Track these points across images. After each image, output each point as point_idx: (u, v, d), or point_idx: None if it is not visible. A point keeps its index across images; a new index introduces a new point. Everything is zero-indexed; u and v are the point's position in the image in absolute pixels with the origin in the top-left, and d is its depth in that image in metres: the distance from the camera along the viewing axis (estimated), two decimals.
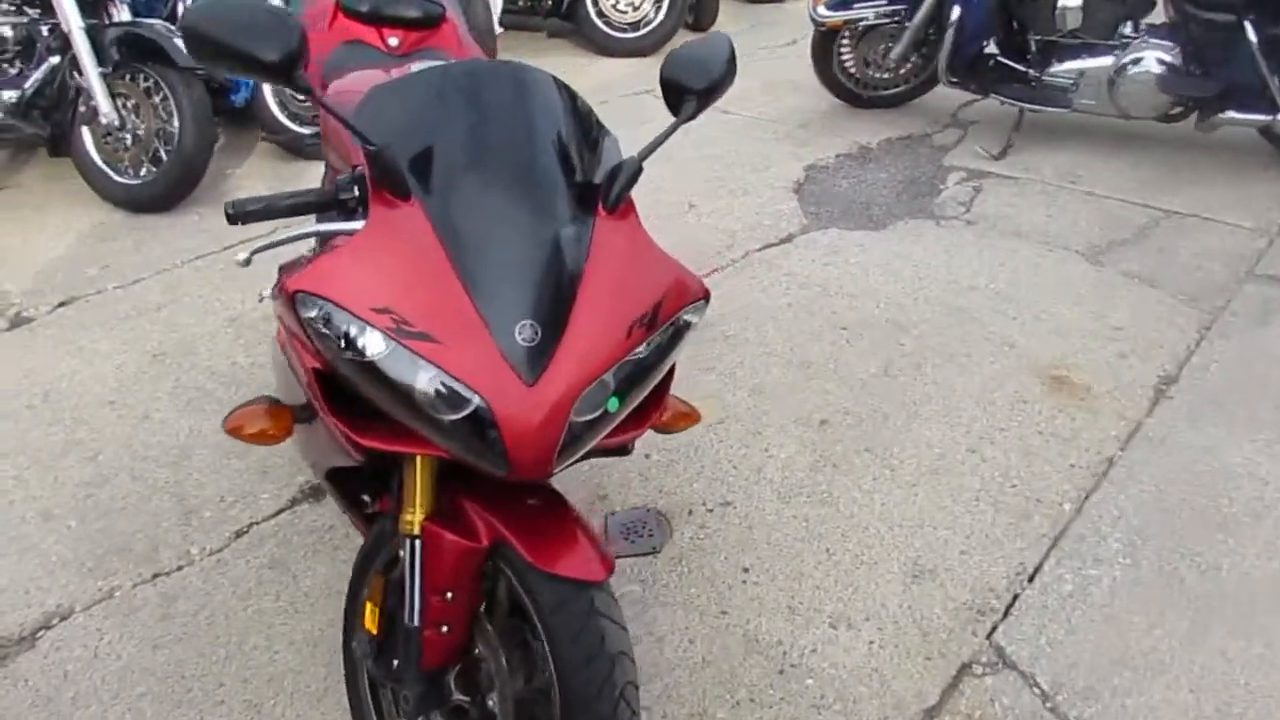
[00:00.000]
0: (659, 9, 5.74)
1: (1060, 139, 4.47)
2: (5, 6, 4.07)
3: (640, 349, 1.34)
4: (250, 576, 2.18)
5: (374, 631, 1.53)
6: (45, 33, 4.01)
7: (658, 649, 2.00)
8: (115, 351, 3.01)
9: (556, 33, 5.99)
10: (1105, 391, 2.75)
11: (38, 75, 3.99)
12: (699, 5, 6.10)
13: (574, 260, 1.32)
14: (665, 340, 1.38)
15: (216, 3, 1.25)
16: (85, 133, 3.99)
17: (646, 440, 2.51)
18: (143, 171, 3.93)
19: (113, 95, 3.85)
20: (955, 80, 4.36)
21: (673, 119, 1.51)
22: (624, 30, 5.72)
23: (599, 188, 1.40)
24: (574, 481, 2.42)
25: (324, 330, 1.26)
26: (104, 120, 3.82)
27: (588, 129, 1.48)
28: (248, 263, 1.34)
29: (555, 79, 1.50)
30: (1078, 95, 4.18)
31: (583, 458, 1.61)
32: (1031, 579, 2.15)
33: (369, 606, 1.54)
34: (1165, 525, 2.28)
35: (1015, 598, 2.11)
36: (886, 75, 4.74)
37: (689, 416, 1.68)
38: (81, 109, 3.89)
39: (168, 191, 3.87)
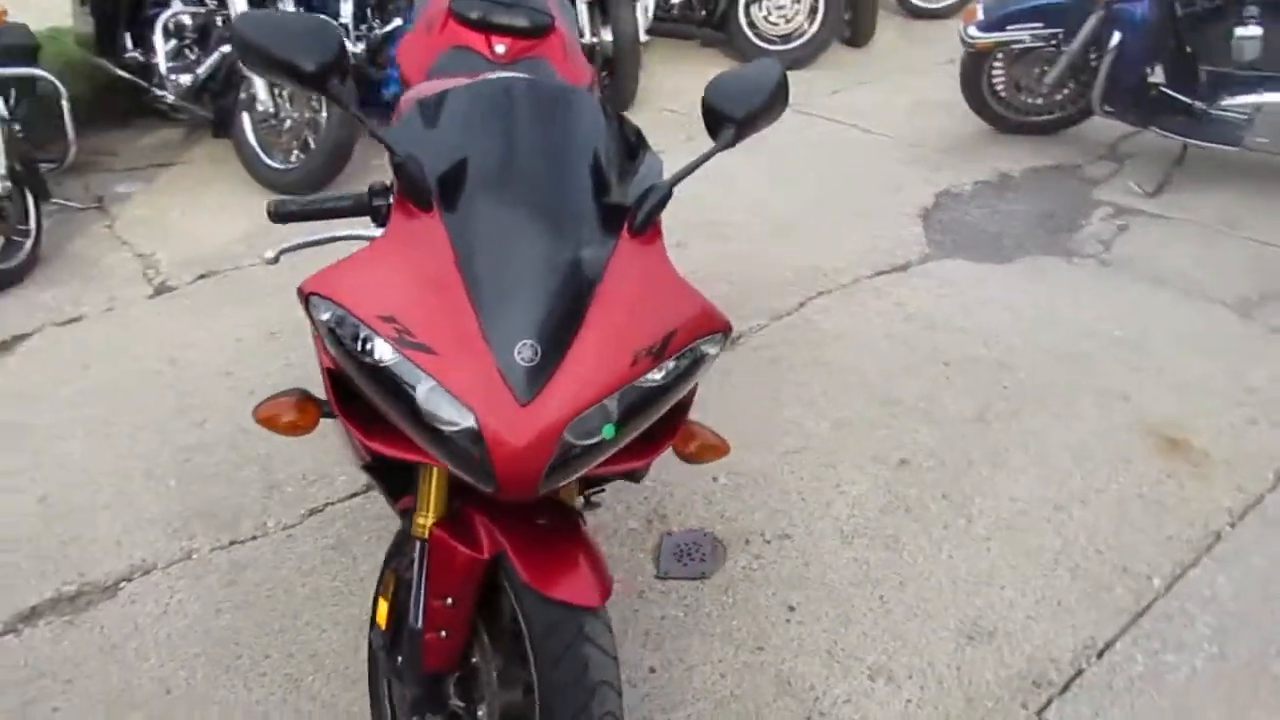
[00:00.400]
0: (812, 21, 5.64)
1: (1225, 179, 4.13)
2: None
3: (648, 377, 1.32)
4: (315, 555, 2.29)
5: (384, 627, 1.57)
6: (220, 23, 4.31)
7: (687, 677, 1.97)
8: (239, 326, 3.21)
9: (709, 42, 5.98)
10: (1224, 459, 2.52)
11: (210, 62, 4.29)
12: (855, 19, 5.96)
13: (587, 283, 1.31)
14: (677, 370, 1.35)
15: (265, 12, 1.32)
16: (245, 118, 4.26)
17: (713, 467, 2.49)
18: (291, 158, 4.17)
19: (270, 85, 4.10)
20: (1111, 110, 4.10)
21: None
22: (774, 42, 5.66)
23: (628, 210, 1.39)
24: (635, 498, 2.41)
25: (336, 333, 1.30)
26: (260, 108, 4.08)
27: (626, 150, 1.47)
28: (275, 260, 1.40)
29: (598, 100, 1.51)
30: (1251, 132, 3.86)
31: (592, 484, 1.61)
32: (1100, 655, 2.00)
33: (382, 602, 1.58)
34: (1267, 616, 2.08)
35: (1078, 673, 1.96)
36: (1039, 101, 4.51)
37: (717, 449, 1.64)
38: (243, 96, 4.17)
39: (310, 179, 4.09)
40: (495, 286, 1.28)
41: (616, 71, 4.92)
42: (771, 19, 5.64)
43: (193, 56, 4.44)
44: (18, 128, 3.72)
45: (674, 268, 1.40)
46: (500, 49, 2.44)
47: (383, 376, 1.27)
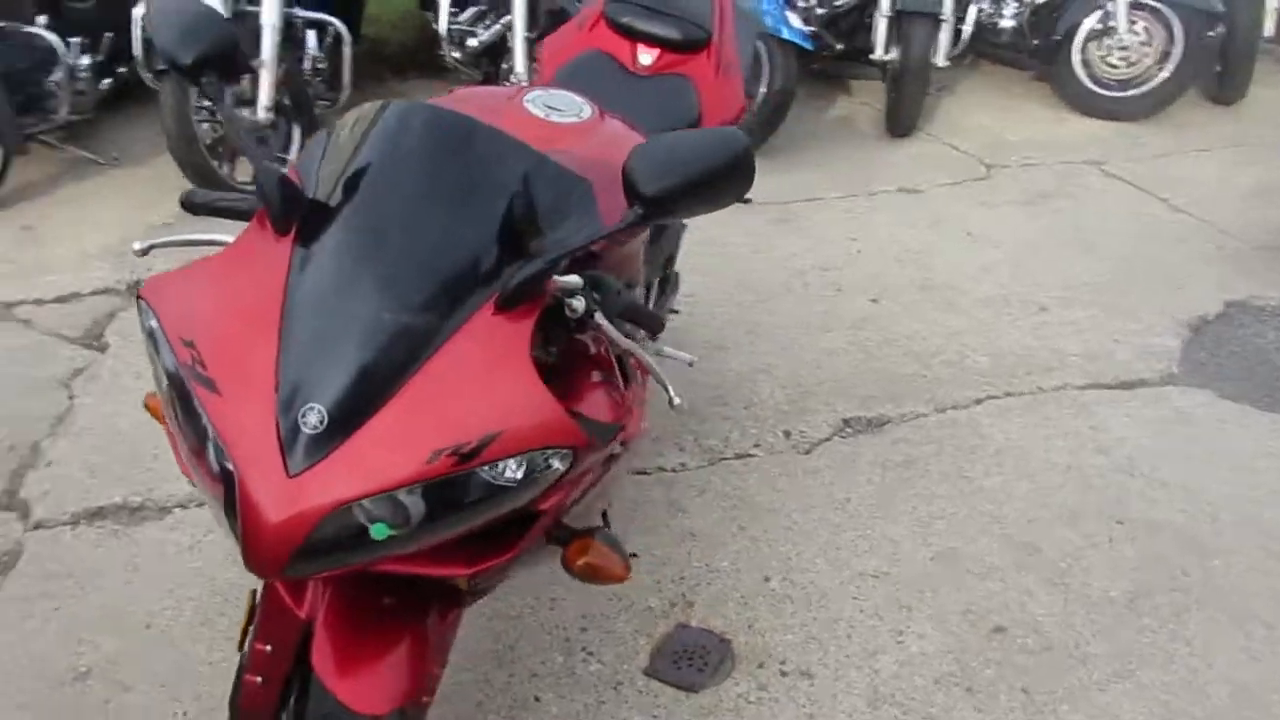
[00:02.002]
0: (1163, 66, 4.79)
1: None
2: None
3: (472, 477, 1.10)
4: None
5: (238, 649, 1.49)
6: None
7: None
8: None
9: (1044, 75, 5.29)
10: None
11: (492, 30, 4.42)
12: (1226, 70, 4.99)
13: (412, 354, 1.12)
14: (491, 479, 1.12)
15: (162, 1, 1.23)
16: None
17: (773, 565, 2.18)
18: None
19: (531, 59, 4.14)
20: None
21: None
22: (1110, 87, 4.87)
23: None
24: (669, 574, 2.17)
25: (152, 342, 1.20)
26: (513, 80, 4.15)
27: (545, 216, 1.24)
28: (143, 253, 1.31)
29: (534, 151, 1.28)
30: None
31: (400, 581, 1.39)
32: None
33: (246, 620, 1.50)
34: None
35: None
36: None
37: (610, 573, 1.38)
38: (504, 66, 4.26)
39: None
40: (310, 336, 1.12)
41: (899, 94, 4.49)
42: (1111, 60, 4.85)
43: (483, 26, 4.60)
44: (306, 66, 4.06)
45: (529, 361, 1.15)
46: (645, 59, 2.24)
47: (174, 399, 1.16)
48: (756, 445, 2.58)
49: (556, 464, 1.15)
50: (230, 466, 1.08)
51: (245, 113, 3.76)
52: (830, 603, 2.12)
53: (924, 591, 2.15)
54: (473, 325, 1.15)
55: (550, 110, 1.63)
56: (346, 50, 4.24)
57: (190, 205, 1.35)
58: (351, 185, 1.20)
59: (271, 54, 3.75)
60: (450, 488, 1.11)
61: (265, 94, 3.75)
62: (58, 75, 3.96)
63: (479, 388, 1.12)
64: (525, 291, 1.16)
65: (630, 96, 2.17)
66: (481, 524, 1.17)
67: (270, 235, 1.20)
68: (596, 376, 1.41)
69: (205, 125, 3.72)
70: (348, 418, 1.08)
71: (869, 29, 4.64)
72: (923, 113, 4.77)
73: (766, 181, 4.18)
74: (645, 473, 2.48)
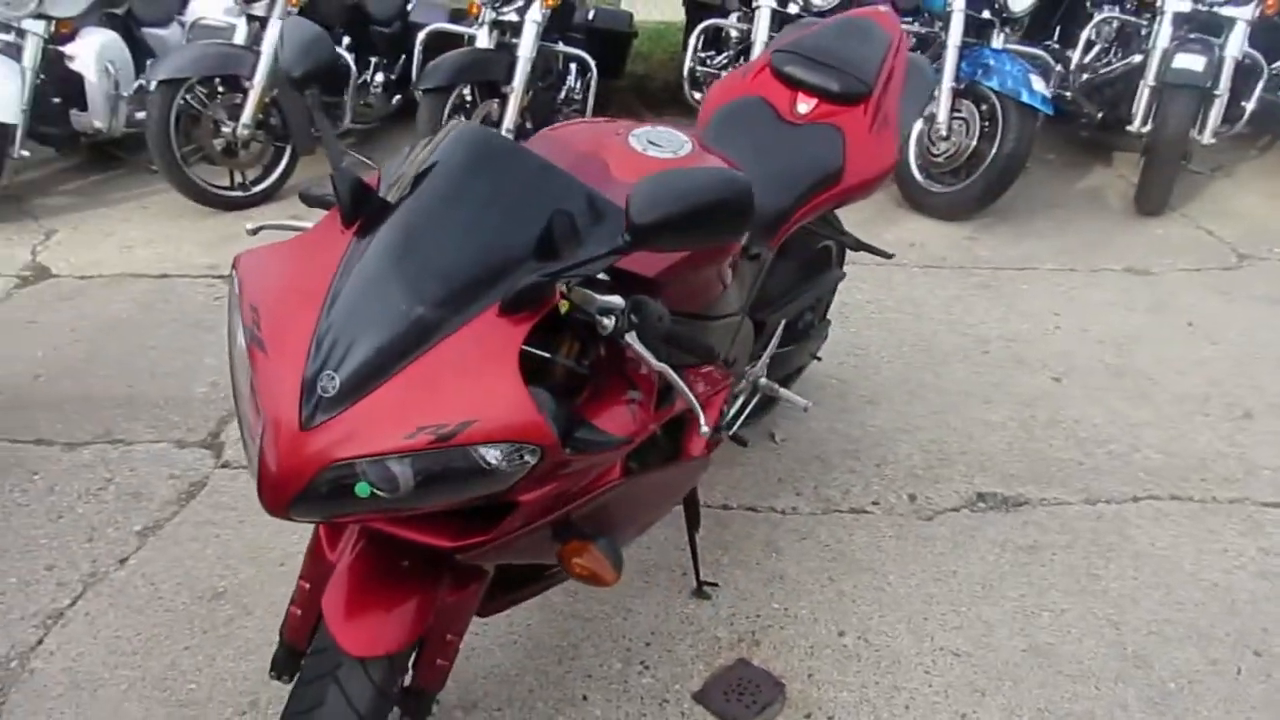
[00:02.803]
0: None
1: None
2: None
3: (438, 454, 1.25)
4: None
5: None
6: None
7: None
8: None
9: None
10: None
11: None
12: None
13: (420, 341, 1.27)
14: (469, 462, 1.25)
15: (294, 20, 1.47)
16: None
17: (852, 621, 2.16)
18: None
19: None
20: None
21: None
22: None
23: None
24: (744, 610, 2.20)
25: (231, 304, 1.43)
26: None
27: (570, 237, 1.36)
28: (255, 232, 1.55)
29: (569, 177, 1.40)
30: None
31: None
32: None
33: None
34: None
35: None
36: None
37: (597, 577, 1.46)
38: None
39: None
40: (343, 315, 1.30)
41: (1148, 170, 4.18)
42: None
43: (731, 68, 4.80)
44: (561, 95, 4.45)
45: (516, 365, 1.27)
46: (803, 108, 2.31)
47: (236, 353, 1.38)
48: (875, 503, 2.54)
49: (526, 458, 1.26)
50: (260, 419, 1.28)
51: (565, 122, 4.17)
52: (899, 670, 2.06)
53: (1004, 681, 2.03)
54: (476, 324, 1.29)
55: (649, 145, 1.75)
56: (592, 84, 4.57)
57: (305, 198, 1.59)
58: (407, 191, 1.38)
59: (521, 82, 4.14)
60: (434, 462, 1.25)
61: (509, 117, 4.14)
62: (348, 90, 4.58)
63: (468, 379, 1.26)
64: (526, 299, 1.29)
65: (777, 142, 2.25)
66: (462, 502, 1.31)
67: (338, 227, 1.40)
68: (621, 392, 1.51)
69: None
70: (356, 388, 1.25)
71: (1134, 97, 4.37)
72: (1184, 192, 4.42)
73: (983, 245, 4.10)
74: (754, 510, 2.52)
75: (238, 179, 4.38)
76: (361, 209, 1.39)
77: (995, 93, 4.03)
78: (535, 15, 4.15)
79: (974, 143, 4.12)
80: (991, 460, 2.70)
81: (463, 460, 1.25)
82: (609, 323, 1.40)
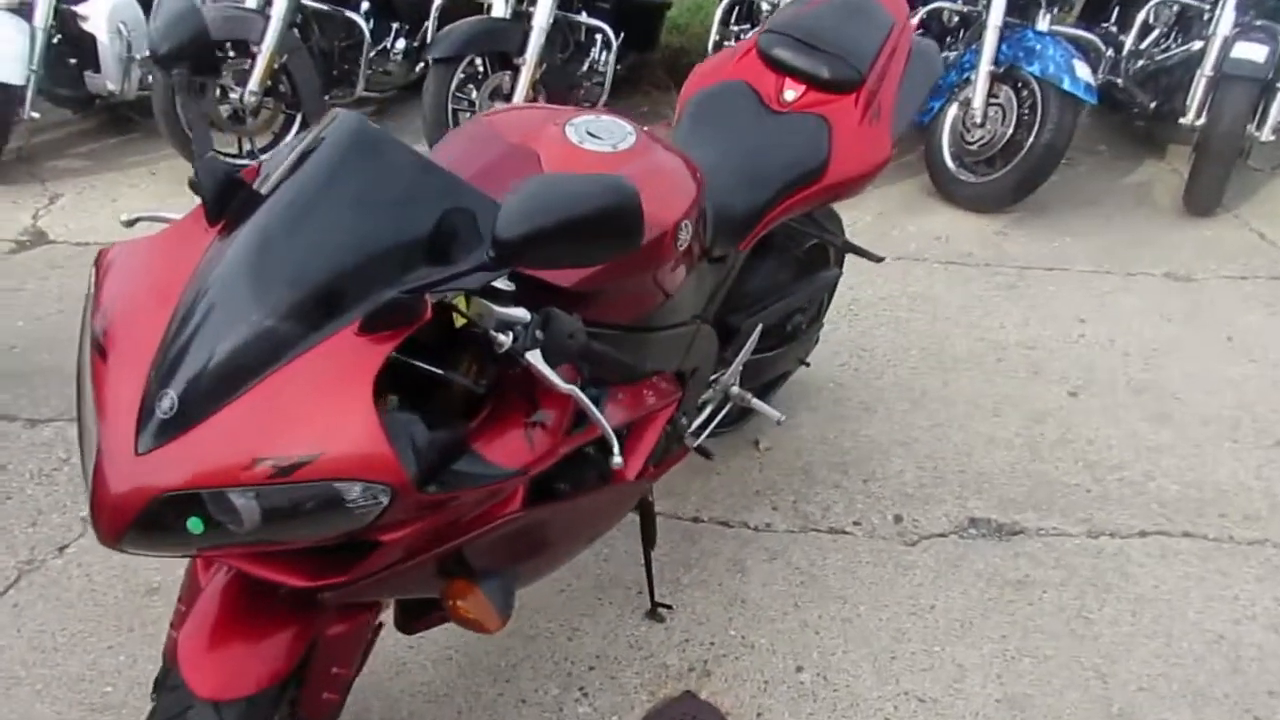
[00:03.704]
0: None
1: None
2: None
3: (283, 490, 1.11)
4: None
5: None
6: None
7: None
8: None
9: None
10: None
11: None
12: None
13: (266, 360, 1.13)
14: (316, 499, 1.11)
15: None
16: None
17: (813, 656, 2.02)
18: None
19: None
20: None
21: None
22: None
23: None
24: (700, 637, 2.05)
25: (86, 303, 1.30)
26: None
27: (447, 243, 1.21)
28: (130, 225, 1.42)
29: (452, 177, 1.25)
30: None
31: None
32: None
33: None
34: None
35: None
36: None
37: (478, 623, 1.33)
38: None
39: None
40: (193, 323, 1.17)
41: (1198, 166, 3.88)
42: None
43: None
44: (584, 68, 4.28)
45: (369, 391, 1.12)
46: (789, 95, 2.13)
47: (81, 359, 1.25)
48: (857, 523, 2.37)
49: (378, 497, 1.12)
50: (96, 433, 1.16)
51: (500, 105, 4.03)
52: (857, 714, 1.90)
53: None
54: (332, 342, 1.15)
55: (587, 137, 1.59)
56: (610, 57, 4.39)
57: (193, 185, 1.46)
58: (275, 187, 1.24)
59: (534, 54, 3.96)
60: (281, 497, 1.12)
61: (520, 90, 3.97)
62: (363, 56, 4.46)
63: (316, 405, 1.12)
64: (388, 317, 1.14)
65: (756, 133, 2.07)
66: (316, 539, 1.18)
67: (203, 223, 1.27)
68: (522, 415, 1.36)
69: (462, 112, 4.03)
70: (195, 409, 1.12)
71: (1190, 88, 4.05)
72: (1239, 191, 4.10)
73: (1013, 241, 3.84)
74: (726, 524, 2.36)
75: (246, 146, 4.28)
76: (228, 204, 1.26)
77: (1035, 78, 3.76)
78: None
79: (1010, 131, 3.86)
80: (990, 481, 2.51)
81: (312, 496, 1.12)
82: (505, 339, 1.26)
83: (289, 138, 4.31)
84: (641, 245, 1.48)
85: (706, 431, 2.20)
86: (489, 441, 1.32)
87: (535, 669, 1.99)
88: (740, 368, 2.19)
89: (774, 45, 2.15)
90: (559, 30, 4.25)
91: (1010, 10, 3.89)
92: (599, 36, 4.58)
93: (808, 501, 2.43)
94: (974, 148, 3.95)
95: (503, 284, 1.34)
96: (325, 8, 4.35)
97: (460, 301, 1.30)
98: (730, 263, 1.96)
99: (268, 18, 4.05)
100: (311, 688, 1.44)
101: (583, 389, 1.49)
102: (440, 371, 1.31)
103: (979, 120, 3.88)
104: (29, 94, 4.10)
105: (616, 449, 1.39)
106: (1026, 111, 3.84)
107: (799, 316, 2.45)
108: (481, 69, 4.11)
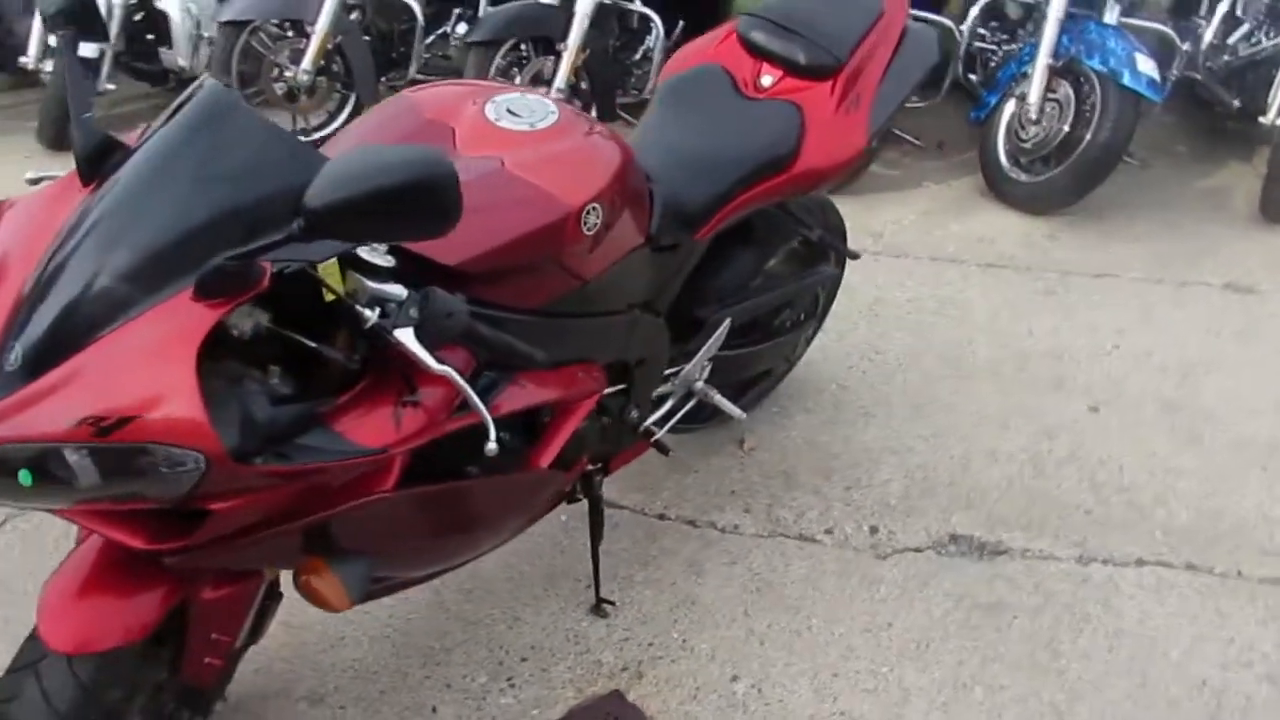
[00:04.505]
0: None
1: None
2: None
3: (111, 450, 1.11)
4: None
5: None
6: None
7: None
8: None
9: None
10: None
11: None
12: None
13: (101, 321, 1.13)
14: (138, 461, 1.11)
15: None
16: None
17: (752, 667, 1.93)
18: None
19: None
20: None
21: None
22: None
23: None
24: (641, 637, 1.99)
25: None
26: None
27: (283, 215, 1.18)
28: (34, 184, 1.43)
29: (304, 146, 1.22)
30: None
31: None
32: None
33: None
34: None
35: None
36: None
37: (327, 601, 1.31)
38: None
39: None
40: (46, 280, 1.18)
41: (1275, 167, 3.58)
42: None
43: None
44: (638, 55, 4.21)
45: (190, 358, 1.10)
46: (766, 80, 2.06)
47: None
48: (829, 531, 2.26)
49: (193, 464, 1.11)
50: None
51: (541, 91, 4.00)
52: None
53: None
54: (168, 305, 1.13)
55: (505, 114, 1.55)
56: (656, 44, 4.32)
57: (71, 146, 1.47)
58: (139, 149, 1.24)
59: (576, 40, 3.93)
60: (109, 457, 1.12)
61: (561, 76, 3.95)
62: (417, 39, 4.50)
63: (140, 368, 1.11)
64: (220, 282, 1.12)
65: (724, 119, 1.99)
66: (138, 503, 1.17)
67: (77, 181, 1.28)
68: (394, 394, 1.33)
69: None
70: (35, 364, 1.12)
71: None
72: None
73: (1062, 245, 3.63)
74: (693, 523, 2.29)
75: (300, 124, 4.39)
76: (100, 165, 1.26)
77: (1095, 72, 3.53)
78: None
79: (1066, 128, 3.64)
80: (982, 496, 2.36)
81: (129, 457, 1.11)
82: (370, 315, 1.24)
83: (342, 118, 4.40)
84: (539, 225, 1.46)
85: (666, 426, 2.14)
86: (350, 418, 1.29)
87: (468, 655, 1.96)
88: (706, 363, 2.12)
89: (752, 29, 2.07)
90: (608, 17, 4.21)
91: (1078, 2, 3.68)
92: (659, 23, 4.53)
93: (782, 506, 2.33)
94: (1028, 145, 3.74)
95: (380, 259, 1.32)
96: None
97: (331, 275, 1.28)
98: (684, 251, 1.89)
99: None
100: (191, 651, 1.44)
101: (477, 373, 1.48)
102: (313, 345, 1.29)
103: (1034, 116, 3.68)
104: (104, 67, 4.30)
105: (492, 434, 1.35)
106: (1088, 109, 3.62)
107: (786, 314, 2.36)
108: (527, 54, 4.11)
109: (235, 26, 4.09)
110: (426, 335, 1.27)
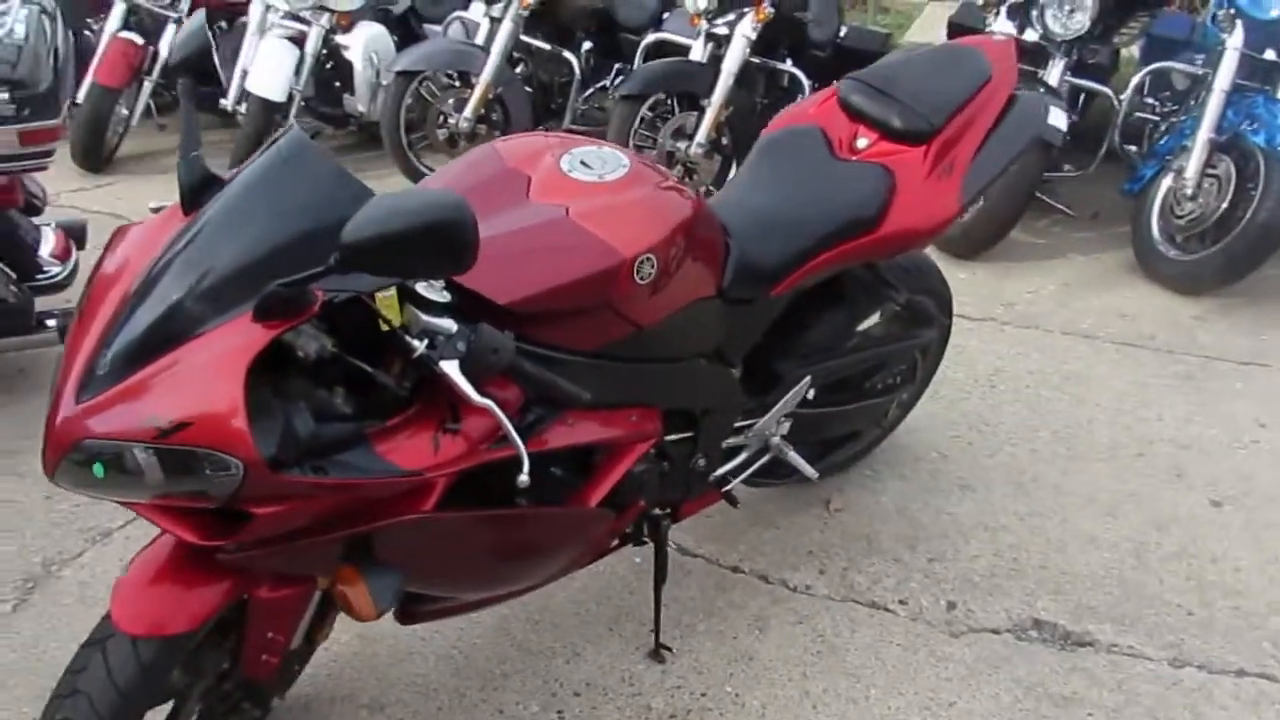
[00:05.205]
0: None
1: None
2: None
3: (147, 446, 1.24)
4: None
5: None
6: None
7: None
8: None
9: None
10: None
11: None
12: None
13: (178, 335, 1.28)
14: (188, 462, 1.24)
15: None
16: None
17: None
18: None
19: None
20: None
21: None
22: None
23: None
24: (687, 690, 2.00)
25: None
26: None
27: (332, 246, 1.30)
28: (156, 211, 1.61)
29: (367, 190, 1.33)
30: None
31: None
32: None
33: None
34: None
35: None
36: None
37: (352, 608, 1.41)
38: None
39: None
40: (141, 295, 1.34)
41: None
42: None
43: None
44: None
45: (242, 371, 1.23)
46: (861, 143, 2.10)
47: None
48: (903, 601, 2.20)
49: (231, 470, 1.23)
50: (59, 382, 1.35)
51: (682, 145, 4.12)
52: None
53: None
54: (230, 325, 1.27)
55: (579, 166, 1.63)
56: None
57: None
58: (228, 185, 1.39)
59: (720, 97, 4.04)
60: (169, 457, 1.26)
61: (703, 131, 4.05)
62: (573, 91, 4.73)
63: (201, 379, 1.24)
64: (277, 307, 1.24)
65: (813, 179, 2.03)
66: (192, 501, 1.30)
67: (180, 211, 1.44)
68: (436, 421, 1.42)
69: (646, 148, 4.17)
70: (121, 370, 1.28)
71: None
72: None
73: (1209, 328, 3.43)
74: (765, 579, 2.28)
75: None
76: (201, 197, 1.43)
77: (1259, 149, 3.33)
78: (746, 29, 4.02)
79: (1225, 205, 3.43)
80: (1074, 583, 2.25)
81: (183, 459, 1.25)
82: (418, 345, 1.35)
83: None
84: (591, 272, 1.52)
85: (739, 478, 2.15)
86: (392, 440, 1.39)
87: (524, 683, 2.03)
88: (784, 419, 2.13)
89: (852, 92, 2.09)
90: (756, 76, 4.30)
91: (1249, 75, 3.49)
92: (807, 83, 4.58)
93: (859, 571, 2.29)
94: (1183, 221, 3.55)
95: (436, 295, 1.43)
96: (546, 46, 4.67)
97: (389, 306, 1.40)
98: (760, 307, 1.92)
99: (488, 53, 4.41)
100: (250, 647, 1.56)
101: (525, 408, 1.56)
102: (369, 370, 1.41)
103: (1190, 191, 3.49)
104: (292, 110, 4.72)
105: (525, 467, 1.42)
106: (1250, 187, 3.40)
107: (878, 377, 2.33)
108: (672, 108, 4.24)
109: (407, 76, 4.43)
110: (472, 368, 1.36)
